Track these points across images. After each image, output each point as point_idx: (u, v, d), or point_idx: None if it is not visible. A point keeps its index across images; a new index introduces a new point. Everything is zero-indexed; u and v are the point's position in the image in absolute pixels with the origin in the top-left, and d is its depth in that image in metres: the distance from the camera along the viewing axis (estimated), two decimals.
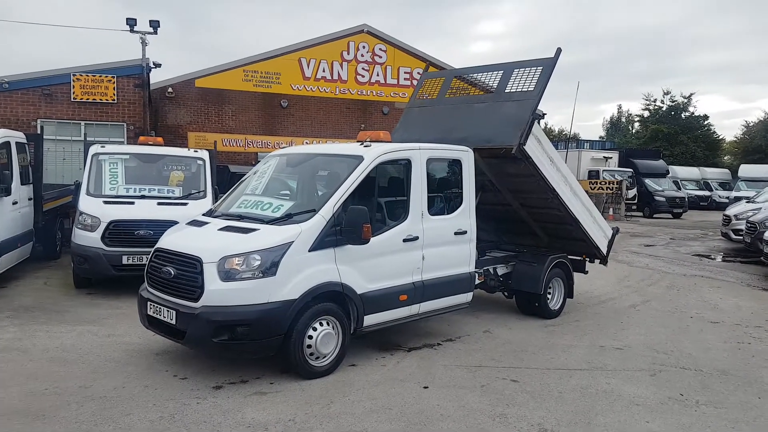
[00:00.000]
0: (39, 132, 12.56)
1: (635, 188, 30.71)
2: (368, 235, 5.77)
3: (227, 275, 5.34)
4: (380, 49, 23.94)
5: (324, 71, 23.65)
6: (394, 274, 6.40)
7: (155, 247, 6.11)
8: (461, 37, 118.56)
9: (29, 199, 10.20)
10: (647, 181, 31.22)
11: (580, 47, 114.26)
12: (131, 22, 14.66)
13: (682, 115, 49.96)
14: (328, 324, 5.85)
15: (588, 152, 32.95)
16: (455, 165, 7.29)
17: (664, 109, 50.63)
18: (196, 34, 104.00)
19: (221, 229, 5.93)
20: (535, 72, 8.04)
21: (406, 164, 6.58)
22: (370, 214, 6.19)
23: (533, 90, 7.93)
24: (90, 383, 5.46)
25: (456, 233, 7.10)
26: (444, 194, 7.22)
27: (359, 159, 6.23)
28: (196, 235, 6.07)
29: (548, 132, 70.59)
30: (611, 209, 27.72)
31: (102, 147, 10.18)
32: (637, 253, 15.85)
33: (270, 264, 5.36)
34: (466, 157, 7.30)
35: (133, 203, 9.24)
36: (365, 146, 6.48)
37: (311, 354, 5.70)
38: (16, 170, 9.81)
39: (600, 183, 29.12)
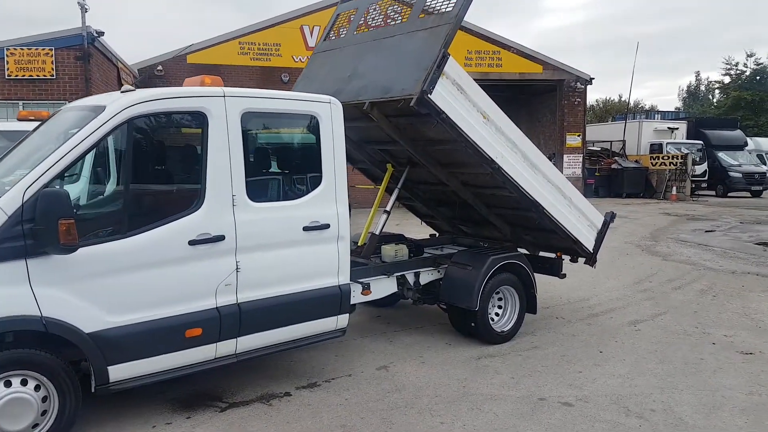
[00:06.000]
0: None
1: (706, 163, 26.65)
2: (69, 238, 3.41)
3: None
4: (394, 10, 21.28)
5: None
6: (174, 296, 4.04)
7: None
8: (528, 12, 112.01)
9: None
10: (720, 154, 26.97)
11: (660, 18, 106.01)
12: None
13: None
14: (24, 384, 3.57)
15: (650, 123, 28.93)
16: (307, 124, 4.81)
17: (747, 73, 44.84)
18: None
19: None
20: None
21: (199, 120, 4.17)
22: (120, 199, 3.93)
23: (451, 11, 5.33)
24: None
25: (308, 228, 4.63)
26: (284, 169, 4.80)
27: (97, 111, 3.90)
28: None
29: (623, 105, 64.21)
30: (674, 188, 24.04)
31: None
32: (684, 242, 12.66)
33: None
34: (327, 112, 4.79)
35: None
36: (122, 92, 4.11)
37: None
38: None
39: (662, 158, 25.38)
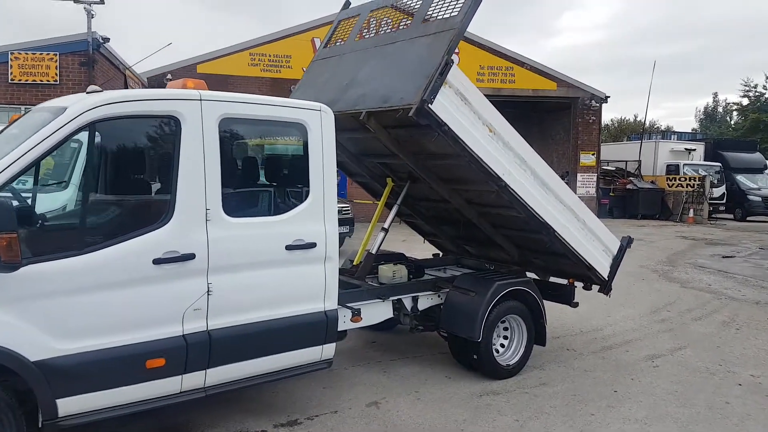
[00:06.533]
0: None
1: (724, 185, 25.95)
2: (10, 254, 3.00)
3: None
4: (406, 23, 20.97)
5: None
6: (134, 321, 3.60)
7: None
8: (541, 30, 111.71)
9: None
10: (739, 177, 26.30)
11: (677, 39, 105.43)
12: None
13: None
14: None
15: (666, 143, 28.32)
16: (294, 133, 4.39)
17: (766, 96, 44.02)
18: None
19: None
20: None
21: (171, 125, 3.74)
22: (77, 211, 3.51)
23: (456, 15, 4.90)
24: None
25: (291, 247, 4.18)
26: (266, 181, 4.37)
27: (58, 112, 3.50)
28: None
29: (638, 125, 63.44)
30: (691, 210, 23.39)
31: None
32: (702, 268, 12.07)
33: None
34: (316, 120, 4.35)
35: None
36: (88, 92, 3.71)
37: None
38: None
39: (679, 179, 24.72)
